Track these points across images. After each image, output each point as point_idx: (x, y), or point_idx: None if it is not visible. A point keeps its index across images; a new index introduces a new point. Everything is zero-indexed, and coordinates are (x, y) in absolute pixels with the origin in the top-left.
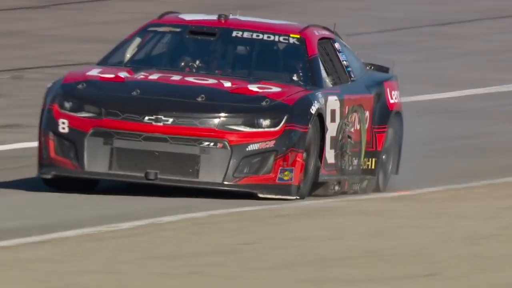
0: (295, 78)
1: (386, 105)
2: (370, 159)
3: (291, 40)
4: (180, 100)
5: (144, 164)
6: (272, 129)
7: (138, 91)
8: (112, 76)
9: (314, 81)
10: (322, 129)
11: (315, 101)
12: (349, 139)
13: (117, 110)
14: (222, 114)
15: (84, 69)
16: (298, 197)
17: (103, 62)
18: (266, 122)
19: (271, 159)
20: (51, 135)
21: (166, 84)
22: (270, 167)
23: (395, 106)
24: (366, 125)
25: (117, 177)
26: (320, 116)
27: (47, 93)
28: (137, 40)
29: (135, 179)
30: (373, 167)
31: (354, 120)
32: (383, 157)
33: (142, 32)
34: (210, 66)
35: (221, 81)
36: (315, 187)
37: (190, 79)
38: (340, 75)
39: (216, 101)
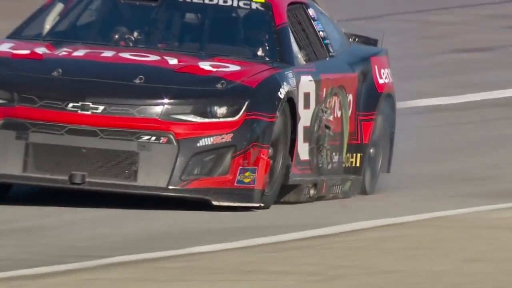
0: (259, 53)
1: (374, 86)
2: (355, 155)
3: (254, 6)
4: (113, 82)
5: (68, 165)
6: (229, 119)
7: (60, 71)
8: (27, 52)
9: (283, 57)
10: (293, 117)
11: (284, 83)
12: (327, 130)
13: (33, 96)
14: (166, 100)
15: None
16: (262, 205)
17: (16, 35)
18: (221, 110)
19: (228, 156)
20: None
21: (95, 62)
22: (227, 167)
23: (385, 87)
24: (349, 112)
25: (33, 180)
26: (291, 101)
27: None
28: (59, 7)
29: (57, 183)
30: (358, 164)
31: (334, 105)
32: (371, 151)
33: None
34: (152, 39)
35: (165, 57)
36: (284, 191)
37: (126, 55)
38: (316, 49)
39: (158, 83)
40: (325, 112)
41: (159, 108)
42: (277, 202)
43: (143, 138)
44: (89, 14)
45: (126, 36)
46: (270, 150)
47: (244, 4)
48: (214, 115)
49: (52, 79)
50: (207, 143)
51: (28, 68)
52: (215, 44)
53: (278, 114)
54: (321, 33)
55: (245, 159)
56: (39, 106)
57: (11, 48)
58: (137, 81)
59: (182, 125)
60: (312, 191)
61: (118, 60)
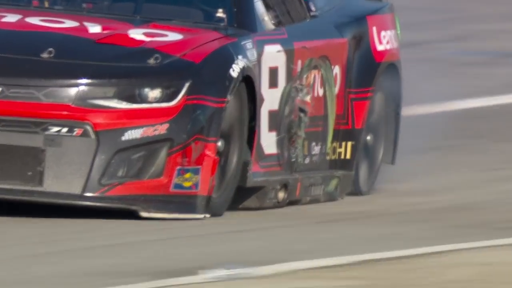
0: (211, 16)
1: (371, 54)
2: (344, 144)
3: None
4: (13, 57)
5: None
6: (164, 105)
7: None
8: None
9: (241, 21)
10: (253, 100)
11: (239, 56)
12: (302, 114)
13: None
14: (82, 81)
15: None
16: (207, 216)
17: None
18: (154, 94)
19: (163, 153)
20: None
21: None
22: (161, 167)
23: (386, 56)
24: (336, 89)
25: None
26: (249, 80)
27: None
28: None
29: None
30: (348, 156)
31: (314, 82)
32: (368, 138)
33: None
34: None
35: (86, 24)
36: (243, 196)
37: (34, 21)
38: (292, 8)
39: (72, 58)
40: (300, 91)
41: (72, 90)
42: (233, 208)
43: (51, 130)
44: None
45: None
46: (219, 144)
47: None
48: (145, 100)
49: None
50: (135, 137)
51: None
52: (154, 5)
53: (229, 97)
54: None
55: (184, 156)
56: None
57: None
58: (45, 55)
59: (102, 113)
60: (281, 194)
61: (22, 27)
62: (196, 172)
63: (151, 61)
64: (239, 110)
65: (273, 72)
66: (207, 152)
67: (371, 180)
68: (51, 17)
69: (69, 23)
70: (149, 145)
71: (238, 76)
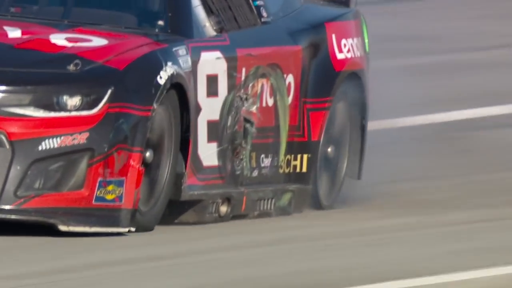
0: (144, 21)
1: (330, 62)
2: (299, 156)
3: None
4: None
5: None
6: (84, 113)
7: None
8: None
9: (176, 27)
10: (187, 109)
11: (169, 63)
12: (247, 125)
13: None
14: None
15: None
16: (132, 229)
17: None
18: (73, 101)
19: (83, 164)
20: None
21: None
22: (81, 179)
23: (347, 64)
24: (289, 99)
25: None
26: (180, 87)
27: None
28: None
29: None
30: (304, 169)
31: (262, 91)
32: (329, 150)
33: None
34: None
35: (6, 28)
36: (179, 209)
37: None
38: (240, 13)
39: None
40: (246, 100)
41: None
42: (170, 223)
43: None
44: None
45: None
46: (147, 155)
47: None
48: (63, 108)
49: None
50: (52, 146)
51: None
52: (86, 8)
53: (156, 105)
54: None
55: (106, 167)
56: None
57: None
58: None
59: (17, 121)
60: (223, 208)
61: None
62: (119, 184)
63: (71, 67)
64: (169, 119)
65: (212, 80)
66: (132, 163)
67: (333, 194)
68: None
69: None
70: (68, 155)
71: (166, 83)
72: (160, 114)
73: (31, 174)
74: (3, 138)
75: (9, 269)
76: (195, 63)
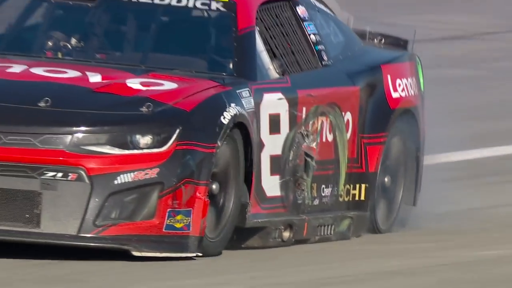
0: (215, 65)
1: (385, 101)
2: (358, 186)
3: (214, 6)
4: (11, 106)
5: None
6: (155, 151)
7: None
8: None
9: (241, 70)
10: (250, 144)
11: (232, 104)
12: (308, 159)
13: None
14: (76, 128)
15: None
16: (199, 254)
17: None
18: (145, 140)
19: (154, 196)
20: None
21: None
22: (152, 209)
23: (401, 102)
24: (348, 135)
25: None
26: (242, 126)
27: None
28: None
29: None
30: (362, 197)
31: (322, 128)
32: (385, 180)
33: None
34: (87, 48)
35: (88, 73)
36: (245, 235)
37: (38, 71)
38: (303, 57)
39: (67, 107)
40: (306, 136)
41: (67, 137)
42: (238, 247)
43: (47, 175)
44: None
45: (63, 43)
46: (214, 187)
47: (202, 4)
48: (136, 146)
49: None
50: (127, 180)
51: None
52: (162, 54)
53: (219, 143)
54: (312, 36)
55: (175, 199)
56: None
57: None
58: (42, 104)
59: (95, 159)
60: (286, 234)
61: (25, 77)
62: (187, 214)
63: (144, 109)
64: (234, 154)
65: (274, 118)
66: (198, 195)
67: (390, 220)
68: (56, 67)
69: (71, 73)
70: (140, 188)
71: (229, 123)
72: (225, 151)
73: (108, 205)
74: (83, 173)
75: None
76: (257, 103)
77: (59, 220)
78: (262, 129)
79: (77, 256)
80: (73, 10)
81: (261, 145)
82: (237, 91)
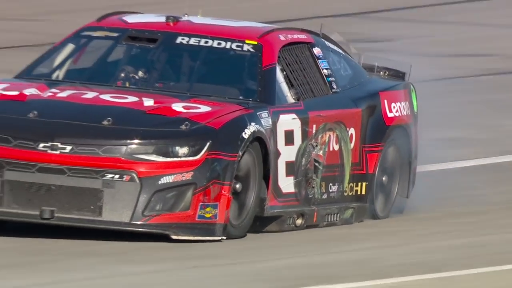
0: (243, 93)
1: (382, 119)
2: (359, 184)
3: (246, 47)
4: (81, 124)
5: (39, 201)
6: (190, 158)
7: (36, 112)
8: (15, 93)
9: (262, 97)
10: (268, 154)
11: (252, 123)
12: (316, 164)
13: (8, 135)
14: (130, 141)
15: None
16: (224, 238)
17: (26, 73)
18: (182, 150)
19: (189, 193)
20: None
21: (70, 104)
22: (187, 203)
23: (395, 120)
24: (351, 145)
25: (8, 215)
26: (260, 140)
27: None
28: (70, 47)
29: (29, 218)
30: (363, 192)
31: (329, 140)
32: (383, 179)
33: (75, 37)
34: (149, 79)
35: (143, 99)
36: (265, 222)
37: (106, 97)
38: (317, 86)
39: (124, 125)
40: (316, 146)
41: (123, 148)
42: (258, 231)
43: (107, 176)
44: (95, 55)
45: (131, 75)
46: (237, 186)
47: (237, 46)
48: (176, 155)
49: (26, 120)
50: (168, 181)
51: (8, 109)
52: (203, 84)
53: (240, 153)
54: (325, 71)
55: (205, 195)
56: (13, 145)
57: (4, 89)
58: (105, 122)
59: (144, 164)
60: (299, 221)
61: (94, 102)
62: (215, 207)
63: (182, 127)
64: (254, 161)
65: (289, 133)
66: (223, 192)
67: (387, 209)
68: (120, 94)
69: (130, 99)
70: (178, 187)
71: (249, 137)
72: (246, 159)
73: (153, 200)
74: (135, 176)
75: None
76: (275, 122)
77: (116, 211)
78: (279, 142)
79: (129, 238)
80: (140, 50)
81: (278, 154)
82: (257, 113)
